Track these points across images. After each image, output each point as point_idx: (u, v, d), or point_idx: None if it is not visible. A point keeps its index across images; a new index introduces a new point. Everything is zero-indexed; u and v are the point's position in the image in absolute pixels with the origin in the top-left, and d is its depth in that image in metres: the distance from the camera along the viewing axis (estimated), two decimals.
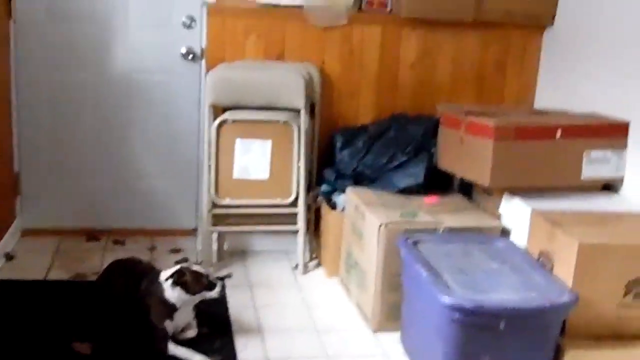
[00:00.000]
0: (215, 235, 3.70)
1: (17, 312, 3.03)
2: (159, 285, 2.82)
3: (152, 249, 3.85)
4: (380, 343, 2.99)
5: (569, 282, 2.51)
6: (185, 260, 2.93)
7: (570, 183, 3.19)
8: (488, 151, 3.02)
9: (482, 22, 3.81)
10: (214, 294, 2.80)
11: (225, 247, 3.83)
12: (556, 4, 3.81)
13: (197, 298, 2.81)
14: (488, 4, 3.72)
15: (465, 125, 3.18)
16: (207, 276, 2.82)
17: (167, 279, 2.80)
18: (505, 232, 3.09)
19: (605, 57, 3.41)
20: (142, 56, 3.81)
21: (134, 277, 2.96)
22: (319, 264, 3.77)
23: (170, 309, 2.80)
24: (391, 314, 3.04)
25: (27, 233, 3.90)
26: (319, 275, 3.67)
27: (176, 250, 3.82)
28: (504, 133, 3.01)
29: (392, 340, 2.99)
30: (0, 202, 3.63)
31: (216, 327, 2.99)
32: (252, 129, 3.52)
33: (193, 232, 4.05)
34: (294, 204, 3.58)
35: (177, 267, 2.83)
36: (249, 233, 3.81)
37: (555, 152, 3.10)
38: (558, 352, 2.50)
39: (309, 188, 3.67)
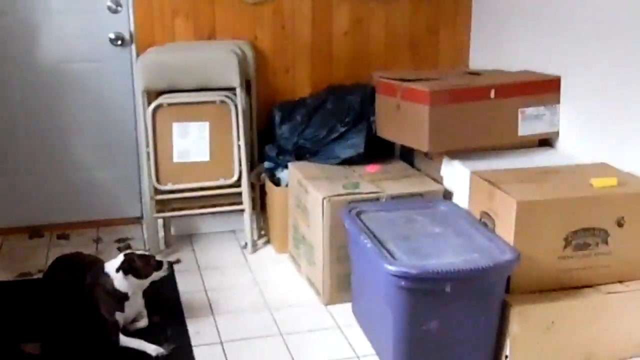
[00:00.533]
0: (160, 221, 3.66)
1: None
2: (106, 277, 2.78)
3: (98, 240, 3.80)
4: (332, 315, 3.01)
5: (510, 240, 2.55)
6: (128, 246, 2.91)
7: (508, 141, 3.24)
8: (424, 116, 3.03)
9: None
10: (162, 272, 2.81)
11: (172, 232, 3.79)
12: None
13: (148, 281, 2.80)
14: None
15: (401, 91, 3.19)
16: (153, 256, 2.82)
17: (117, 270, 2.76)
18: (447, 196, 3.12)
19: (533, 13, 3.45)
20: (69, 44, 3.71)
21: (79, 271, 2.92)
22: (267, 241, 3.76)
23: (120, 300, 2.77)
24: (341, 286, 3.06)
25: None
26: (268, 252, 3.67)
27: (122, 240, 3.77)
28: (439, 97, 3.03)
29: (344, 312, 3.01)
30: None
31: (167, 314, 2.97)
32: (189, 112, 3.48)
33: (138, 220, 3.99)
34: (238, 183, 3.56)
35: (122, 255, 2.80)
36: (195, 216, 3.77)
37: (491, 112, 3.14)
38: (504, 309, 2.54)
39: (251, 166, 3.65)
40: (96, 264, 2.92)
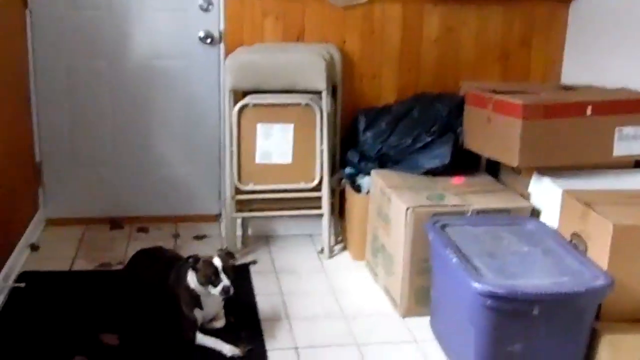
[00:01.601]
0: (239, 221, 3.67)
1: (44, 303, 3.02)
2: (185, 272, 2.78)
3: (176, 235, 3.83)
4: (409, 329, 2.95)
5: (604, 265, 2.44)
6: (224, 250, 2.86)
7: (602, 161, 3.10)
8: (516, 130, 2.94)
9: None
10: (216, 292, 2.66)
11: (250, 232, 3.79)
12: None
13: (206, 291, 2.70)
14: None
15: (492, 104, 3.10)
16: (215, 269, 2.66)
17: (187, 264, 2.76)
18: (535, 213, 3.02)
19: (633, 29, 3.30)
20: (159, 41, 3.76)
21: (161, 265, 2.94)
22: (344, 248, 3.72)
23: (196, 296, 2.76)
24: (420, 299, 2.99)
25: (51, 223, 3.89)
26: (344, 259, 3.63)
27: (200, 237, 3.79)
28: (533, 111, 2.93)
29: (421, 326, 2.94)
30: (23, 192, 3.62)
31: (243, 315, 2.96)
32: (274, 113, 3.47)
33: (216, 217, 4.02)
34: (318, 187, 3.53)
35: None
36: (273, 218, 3.77)
37: (586, 129, 3.02)
38: (593, 337, 2.44)
39: (332, 171, 3.61)
40: (179, 260, 2.93)
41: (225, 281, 2.66)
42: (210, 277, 2.67)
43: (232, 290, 2.66)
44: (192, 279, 2.73)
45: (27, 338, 2.75)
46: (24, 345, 2.70)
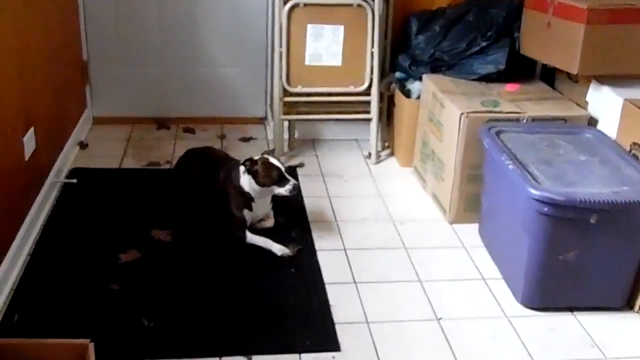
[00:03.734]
0: (285, 124, 3.64)
1: (95, 199, 3.06)
2: (237, 174, 2.79)
3: (222, 137, 3.82)
4: (457, 235, 2.94)
5: None
6: (272, 151, 2.85)
7: None
8: (578, 36, 2.83)
9: None
10: (283, 191, 2.70)
11: (296, 135, 3.77)
12: None
13: (267, 191, 2.74)
14: None
15: (554, 7, 2.98)
16: (279, 170, 2.70)
17: (239, 165, 2.76)
18: (592, 123, 2.94)
19: None
20: None
21: (211, 165, 2.94)
22: (391, 154, 3.69)
23: (247, 198, 2.78)
24: (469, 206, 2.97)
25: (98, 122, 3.91)
26: (391, 164, 3.61)
27: (247, 139, 3.78)
28: (597, 16, 2.81)
29: (470, 232, 2.94)
30: (71, 90, 3.62)
31: (292, 216, 2.98)
32: (324, 13, 3.39)
33: (261, 120, 3.99)
34: (367, 91, 3.49)
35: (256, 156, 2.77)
36: (320, 122, 3.74)
37: None
38: None
39: (382, 75, 3.54)
40: (229, 160, 2.94)
41: (293, 180, 2.70)
42: (275, 178, 2.68)
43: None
44: (246, 181, 2.74)
45: (80, 231, 2.81)
46: (78, 238, 2.76)
